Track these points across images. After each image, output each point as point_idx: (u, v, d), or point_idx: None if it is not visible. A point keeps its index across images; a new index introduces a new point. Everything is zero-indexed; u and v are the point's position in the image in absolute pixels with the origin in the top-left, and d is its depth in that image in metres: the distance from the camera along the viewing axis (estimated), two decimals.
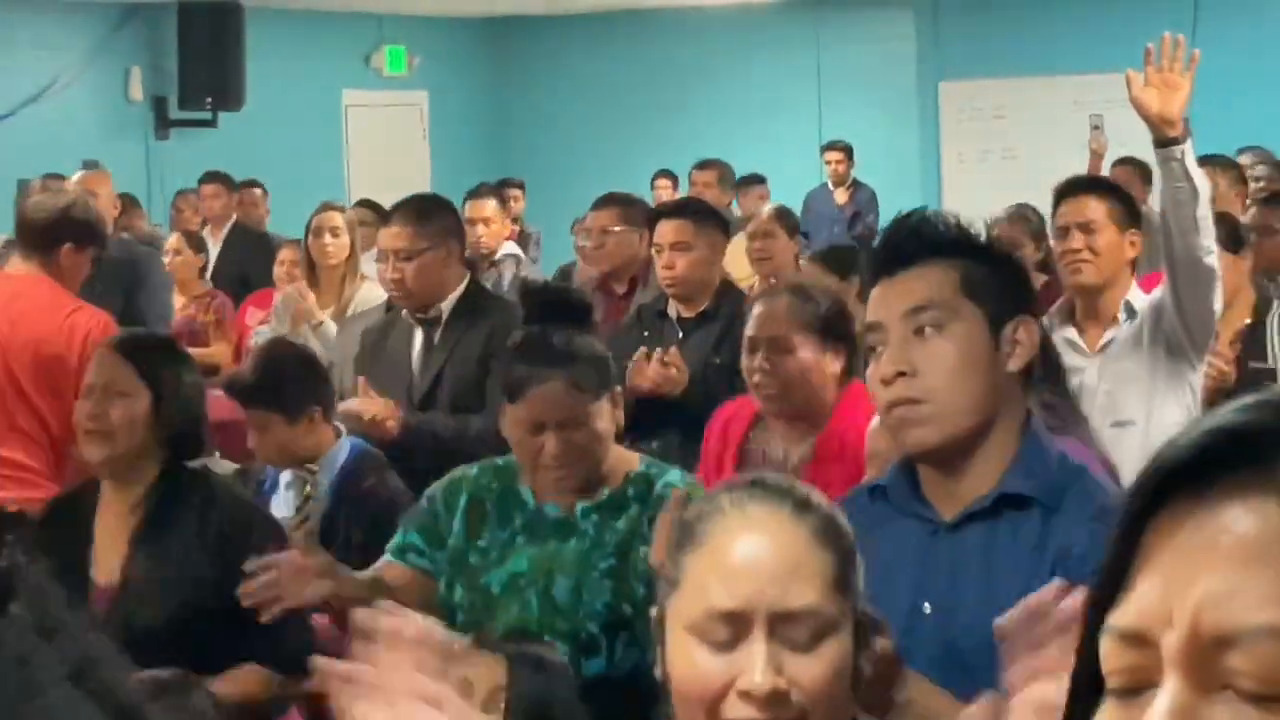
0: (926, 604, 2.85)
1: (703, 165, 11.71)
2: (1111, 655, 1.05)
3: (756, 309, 4.75)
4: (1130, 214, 5.29)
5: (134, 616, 4.18)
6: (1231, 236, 6.26)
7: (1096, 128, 11.64)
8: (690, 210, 6.83)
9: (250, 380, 5.35)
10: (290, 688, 4.28)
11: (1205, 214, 4.96)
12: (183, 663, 3.87)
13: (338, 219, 8.89)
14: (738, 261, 8.50)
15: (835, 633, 2.01)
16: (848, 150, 14.94)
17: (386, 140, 16.79)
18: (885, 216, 14.63)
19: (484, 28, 17.82)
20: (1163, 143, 4.91)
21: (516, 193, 15.35)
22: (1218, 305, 5.20)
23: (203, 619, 4.20)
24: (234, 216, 11.97)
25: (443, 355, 6.02)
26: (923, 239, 2.85)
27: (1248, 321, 6.22)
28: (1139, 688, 1.04)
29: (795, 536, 2.03)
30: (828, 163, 15.03)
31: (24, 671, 2.21)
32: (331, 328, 8.24)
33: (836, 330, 4.89)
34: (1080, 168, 13.11)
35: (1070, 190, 5.34)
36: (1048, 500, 2.86)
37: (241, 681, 4.21)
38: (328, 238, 8.80)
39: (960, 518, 2.88)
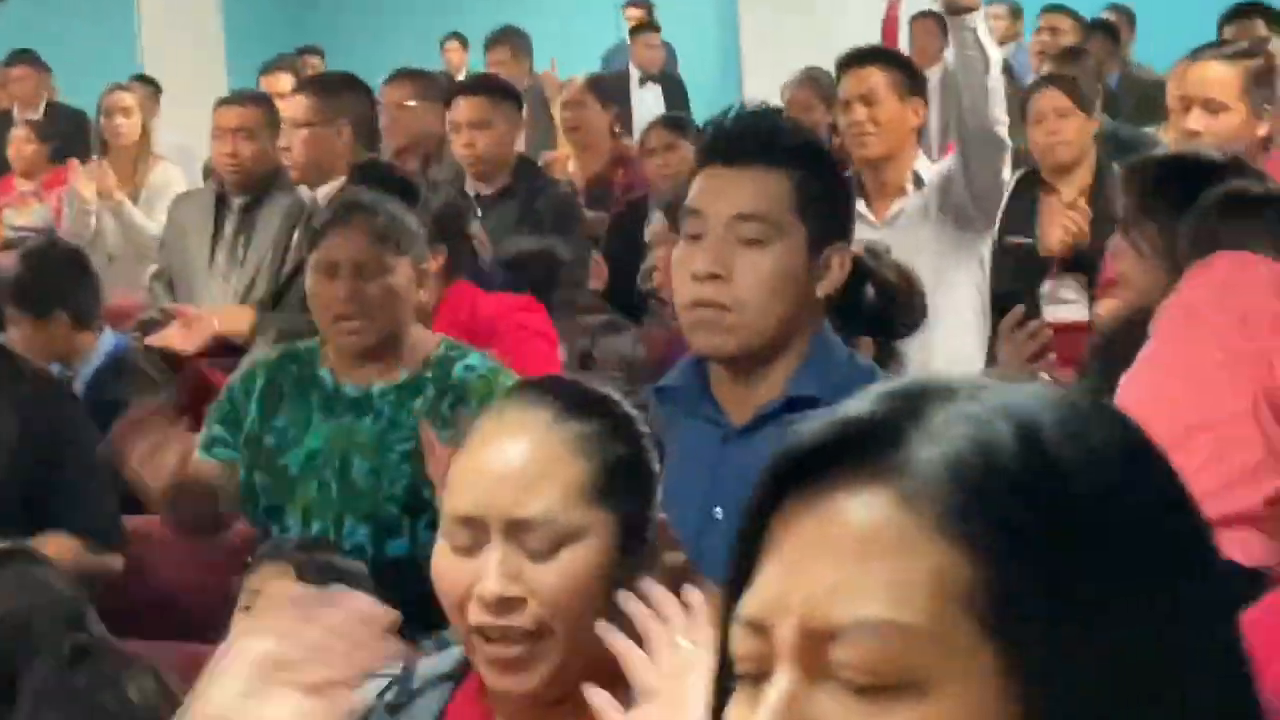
0: (719, 509, 2.85)
1: (495, 42, 11.53)
2: (738, 643, 1.08)
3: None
4: (913, 83, 5.30)
5: None
6: (1080, 97, 6.31)
7: None
8: (486, 87, 6.81)
9: (4, 277, 5.31)
10: (96, 559, 4.27)
11: (997, 84, 4.97)
12: None
13: (128, 99, 8.83)
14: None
15: (578, 541, 1.97)
16: (647, 8, 14.86)
17: (179, 8, 16.48)
18: (688, 68, 14.65)
19: None
20: (954, 9, 4.92)
21: (315, 60, 15.17)
22: (1006, 174, 5.25)
23: (10, 487, 4.17)
24: (45, 96, 11.67)
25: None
26: (766, 138, 2.84)
27: (1088, 184, 6.26)
28: (761, 675, 1.06)
29: (545, 442, 1.99)
30: (628, 19, 14.92)
31: None
32: (130, 208, 8.16)
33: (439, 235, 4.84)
34: (879, 15, 13.23)
35: (851, 62, 5.33)
36: (836, 401, 2.87)
37: (49, 547, 4.17)
38: (119, 118, 8.73)
39: (751, 422, 2.89)
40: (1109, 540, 1.04)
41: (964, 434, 1.06)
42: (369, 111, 6.44)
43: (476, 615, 1.98)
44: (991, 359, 5.33)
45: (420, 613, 3.74)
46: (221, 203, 6.22)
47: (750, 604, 1.08)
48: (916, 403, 1.08)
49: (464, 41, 15.13)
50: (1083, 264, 6.01)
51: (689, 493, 2.81)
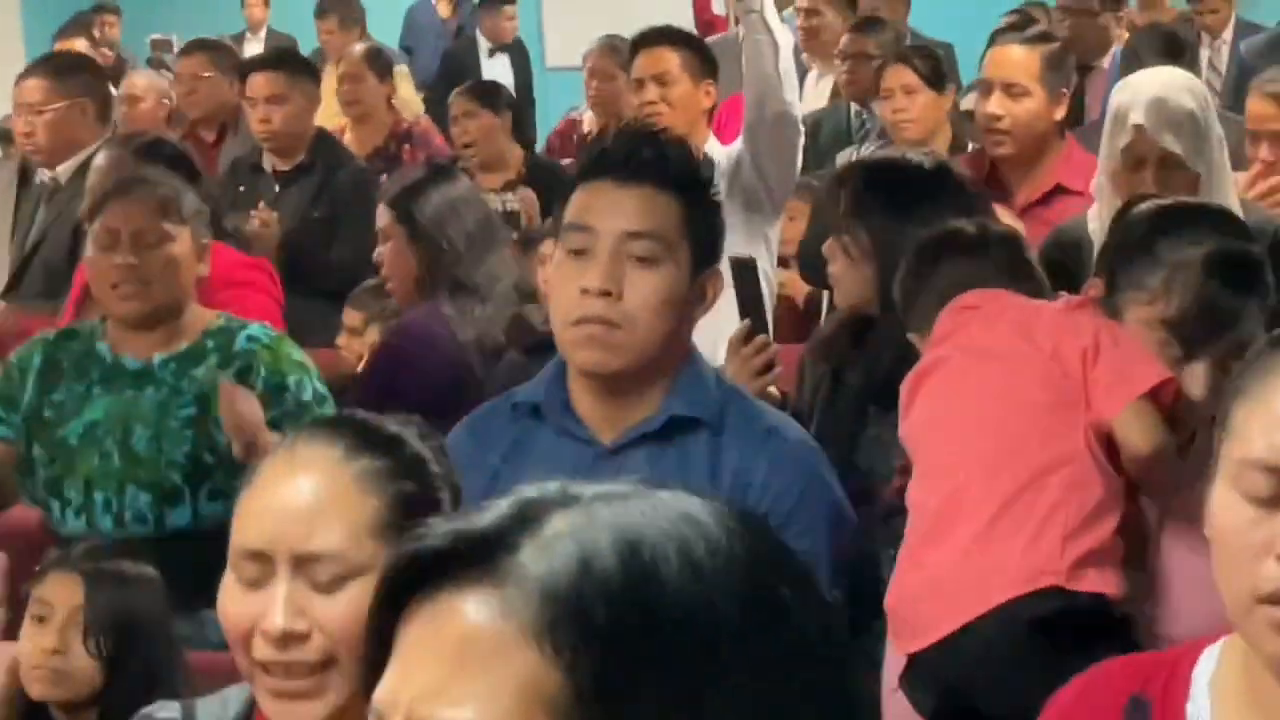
0: None
1: (323, 12, 11.37)
2: None
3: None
4: (705, 64, 5.32)
5: None
6: (933, 73, 6.26)
7: None
8: (283, 61, 6.77)
9: None
10: None
11: (788, 67, 4.99)
12: None
13: None
14: None
15: (365, 576, 1.96)
16: None
17: None
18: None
19: None
20: None
21: (111, 18, 14.96)
22: (798, 159, 5.29)
23: None
24: None
25: (52, 216, 5.92)
26: (657, 159, 2.84)
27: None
28: None
29: (335, 478, 2.00)
30: None
31: None
32: None
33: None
34: None
35: (645, 42, 5.34)
36: (712, 421, 2.91)
37: None
38: None
39: (625, 441, 2.90)
40: (696, 653, 1.08)
41: (567, 547, 1.10)
42: (106, 89, 6.36)
43: (261, 650, 1.98)
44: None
45: (200, 584, 3.76)
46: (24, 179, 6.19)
47: (375, 696, 1.13)
48: (537, 512, 1.13)
49: None
50: None
51: None
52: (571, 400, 2.93)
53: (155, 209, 3.93)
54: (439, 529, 1.13)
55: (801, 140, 5.19)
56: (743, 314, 3.76)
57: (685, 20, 12.98)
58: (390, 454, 2.05)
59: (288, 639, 1.97)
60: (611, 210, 2.84)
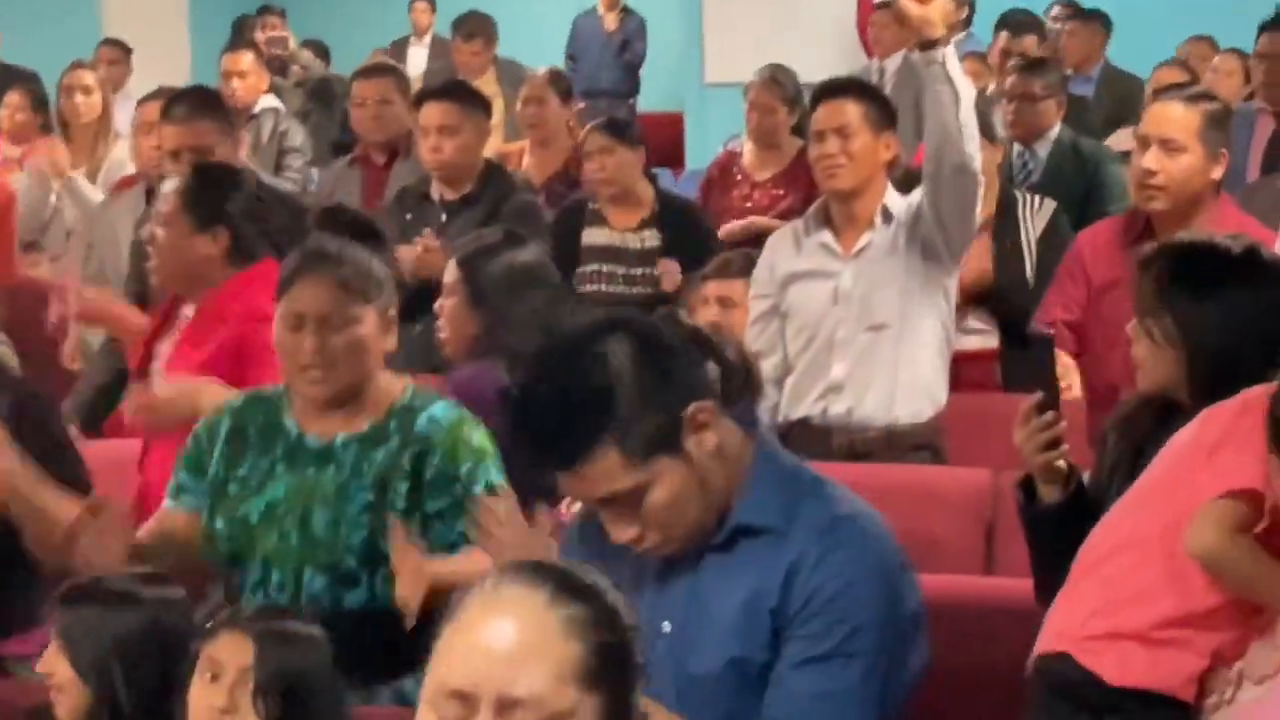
0: (666, 624, 2.96)
1: (467, 34, 11.41)
2: None
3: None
4: (886, 116, 5.29)
5: None
6: (982, 126, 6.27)
7: None
8: (456, 92, 6.83)
9: None
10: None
11: (968, 119, 4.99)
12: None
13: (88, 77, 8.82)
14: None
15: None
16: None
17: None
18: (650, 44, 14.62)
19: None
20: (924, 45, 4.94)
21: (276, 20, 15.09)
22: (979, 210, 5.26)
23: None
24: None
25: None
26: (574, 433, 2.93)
27: (990, 213, 6.20)
28: None
29: (540, 623, 2.03)
30: None
31: None
32: (82, 183, 8.14)
33: (219, 214, 4.91)
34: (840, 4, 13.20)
35: (825, 94, 5.33)
36: (780, 525, 3.00)
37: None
38: (79, 96, 8.72)
39: (694, 551, 3.03)
40: None
41: None
42: (231, 121, 6.39)
43: None
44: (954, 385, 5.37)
45: (377, 662, 3.79)
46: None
47: None
48: None
49: (431, 2, 15.08)
50: (984, 295, 6.11)
51: (641, 608, 2.87)
52: None
53: (341, 290, 3.90)
54: None
55: (981, 191, 5.17)
56: (1040, 387, 3.74)
57: (846, 28, 13.00)
58: (591, 602, 2.08)
59: None
60: (579, 490, 3.03)
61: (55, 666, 3.50)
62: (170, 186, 5.00)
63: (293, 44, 13.16)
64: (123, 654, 3.47)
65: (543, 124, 8.39)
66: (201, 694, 3.35)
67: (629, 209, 7.03)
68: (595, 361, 2.89)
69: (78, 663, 3.48)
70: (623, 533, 2.96)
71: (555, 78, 8.73)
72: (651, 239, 6.93)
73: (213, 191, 4.94)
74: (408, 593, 3.68)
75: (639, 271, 6.93)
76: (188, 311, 4.97)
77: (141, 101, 7.37)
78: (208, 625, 3.42)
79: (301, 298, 3.91)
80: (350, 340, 3.90)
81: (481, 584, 2.10)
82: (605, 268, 6.97)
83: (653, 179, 7.28)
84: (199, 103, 6.20)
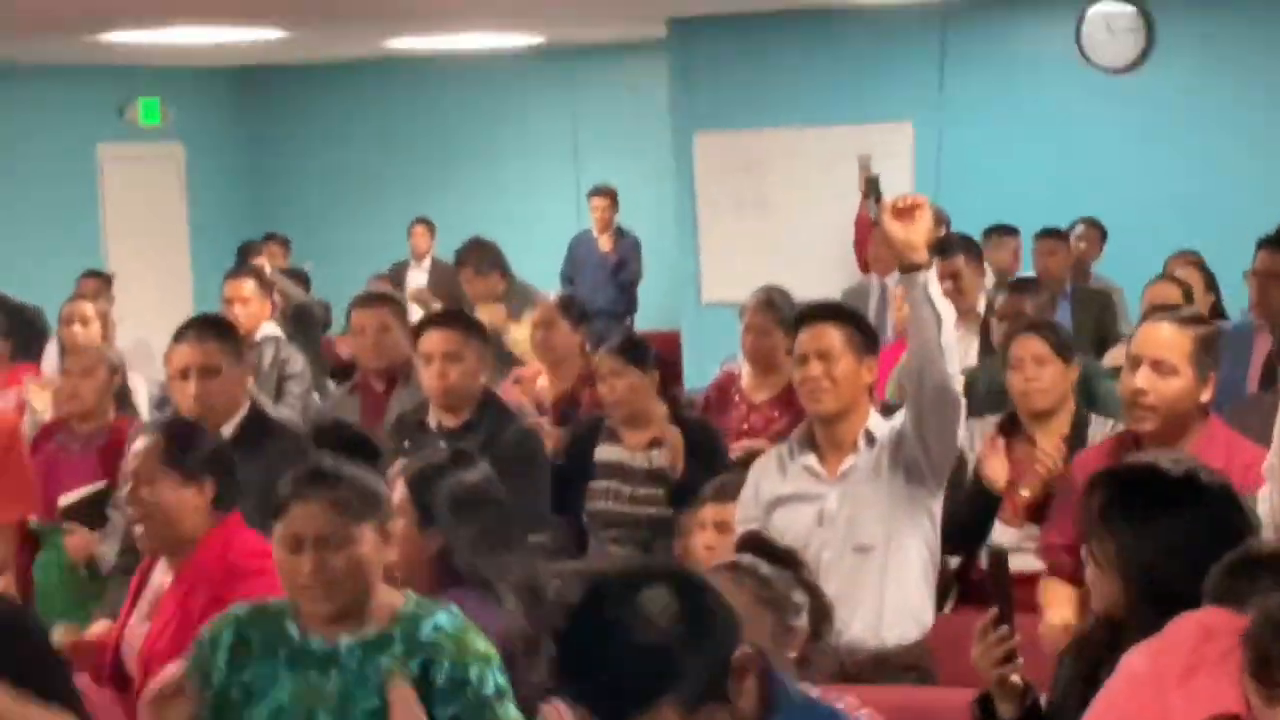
0: None
1: (461, 261, 11.58)
2: None
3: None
4: (868, 341, 5.39)
5: None
6: (1063, 345, 6.36)
7: (869, 181, 11.77)
8: (459, 320, 6.94)
9: None
10: None
11: (950, 340, 5.07)
12: None
13: (87, 308, 8.99)
14: None
15: None
16: (612, 196, 15.00)
17: (144, 194, 16.61)
18: (647, 263, 14.80)
19: (237, 78, 17.68)
20: (907, 269, 5.05)
21: (277, 249, 15.30)
22: (961, 433, 5.32)
23: None
24: None
25: None
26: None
27: (1065, 433, 6.24)
28: None
29: None
30: (593, 209, 15.04)
31: None
32: None
33: (204, 465, 4.96)
34: (835, 216, 13.39)
35: (808, 318, 5.39)
36: None
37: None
38: (77, 326, 8.87)
39: None
40: None
41: None
42: (241, 350, 6.53)
43: None
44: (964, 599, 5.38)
45: None
46: None
47: None
48: None
49: (430, 226, 15.28)
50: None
51: None
52: None
53: (338, 511, 3.97)
54: None
55: (962, 415, 5.25)
56: (993, 601, 3.80)
57: (842, 246, 13.17)
58: None
59: None
60: None
61: None
62: (142, 444, 5.01)
63: (268, 270, 13.37)
64: None
65: (553, 348, 8.52)
66: None
67: (640, 429, 7.10)
68: (645, 618, 2.82)
69: None
70: None
71: (565, 303, 8.87)
72: (660, 458, 7.00)
73: (191, 443, 5.00)
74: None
75: (644, 491, 6.98)
76: (160, 577, 5.00)
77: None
78: None
79: (299, 519, 3.97)
80: (349, 559, 3.96)
81: None
82: (613, 485, 7.03)
83: (673, 399, 7.36)
84: (209, 326, 6.40)
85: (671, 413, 7.20)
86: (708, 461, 6.86)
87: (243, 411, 6.25)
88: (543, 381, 8.58)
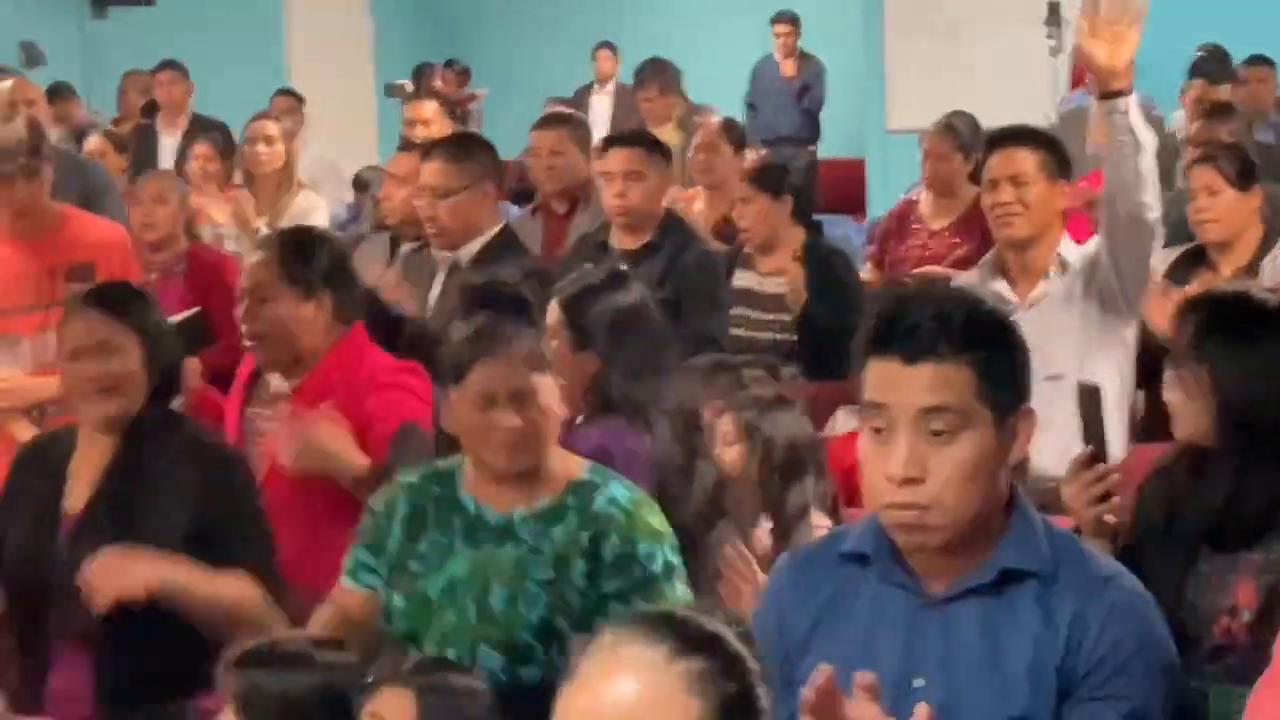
0: (919, 679, 2.80)
1: (642, 80, 11.49)
2: None
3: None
4: (1061, 164, 5.26)
5: (94, 544, 4.17)
6: (1242, 172, 6.21)
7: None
8: (642, 140, 6.87)
9: None
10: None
11: (1149, 168, 4.92)
12: None
13: (271, 128, 8.96)
14: None
15: None
16: (795, 22, 14.86)
17: (329, 16, 16.61)
18: (831, 89, 14.62)
19: None
20: (1107, 94, 4.88)
21: (449, 75, 15.29)
22: (1154, 259, 5.20)
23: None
24: (190, 106, 11.75)
25: (451, 300, 6.01)
26: (944, 327, 2.76)
27: (1246, 261, 6.14)
28: None
29: (660, 680, 1.99)
30: (776, 35, 14.92)
31: None
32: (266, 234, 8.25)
33: (323, 277, 4.85)
34: (1029, 40, 13.11)
35: (1000, 142, 5.29)
36: (1044, 571, 2.85)
37: (238, 588, 4.23)
38: (261, 146, 8.86)
39: (954, 593, 2.85)
40: None
41: None
42: (501, 169, 6.50)
43: None
44: (1148, 433, 5.26)
45: None
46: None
47: None
48: None
49: (614, 50, 15.19)
50: None
51: (880, 657, 2.78)
52: (902, 549, 2.88)
53: (524, 366, 3.91)
54: None
55: (1157, 243, 5.12)
56: (1086, 439, 3.73)
57: (1031, 73, 12.90)
58: (713, 654, 2.04)
59: None
60: (903, 388, 2.77)
61: None
62: (258, 258, 4.94)
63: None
64: (294, 717, 3.46)
65: (713, 171, 8.47)
66: None
67: (774, 255, 7.07)
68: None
69: None
70: (899, 468, 2.75)
71: (728, 126, 8.81)
72: (785, 284, 6.93)
73: (307, 256, 4.91)
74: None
75: (770, 317, 6.95)
76: (277, 384, 4.96)
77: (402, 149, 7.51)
78: (368, 681, 3.44)
79: (488, 377, 3.90)
80: (537, 412, 3.91)
81: (600, 641, 2.08)
82: (743, 311, 7.00)
83: (812, 226, 7.28)
84: (452, 146, 6.46)
85: (806, 240, 7.12)
86: (838, 291, 6.78)
87: (489, 233, 6.18)
88: (700, 205, 8.49)
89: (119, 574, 4.09)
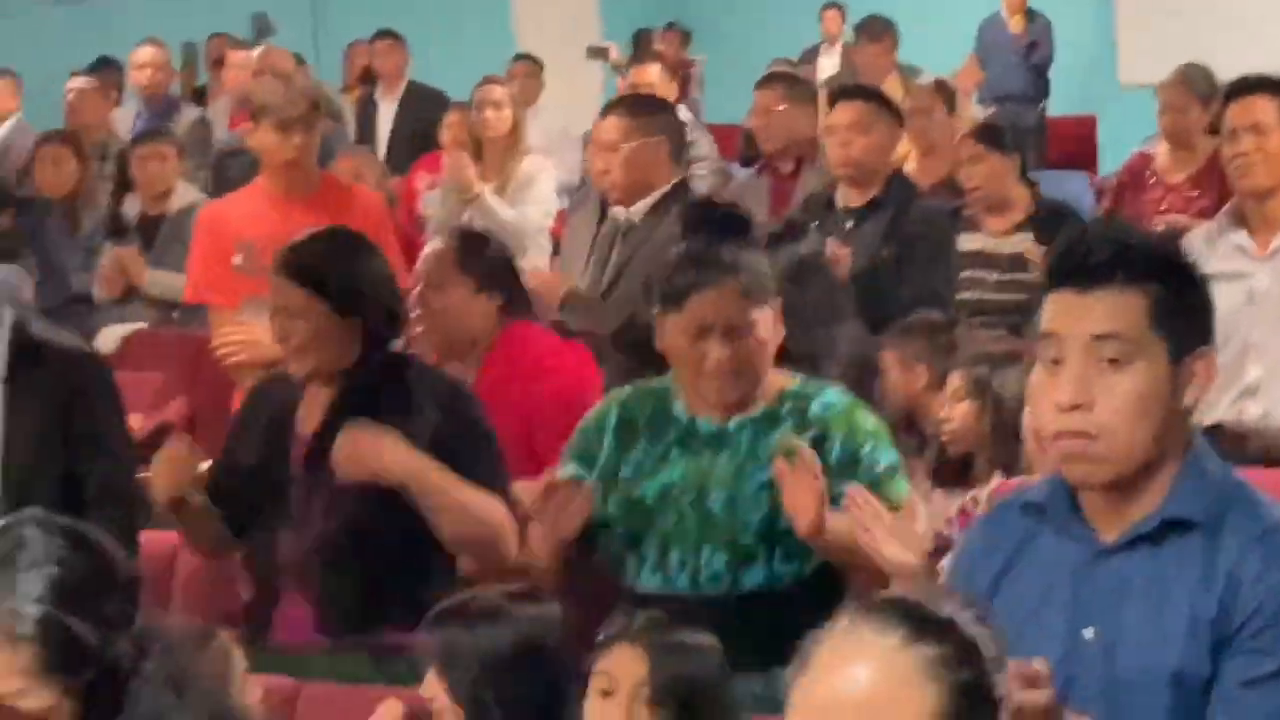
0: (1088, 630, 2.76)
1: (862, 37, 11.36)
2: None
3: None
4: None
5: (326, 473, 4.24)
6: None
7: None
8: (868, 94, 6.80)
9: None
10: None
11: None
12: (366, 519, 4.17)
13: (499, 92, 8.96)
14: None
15: None
16: None
17: None
18: (1060, 45, 14.39)
19: None
20: None
21: (673, 37, 15.28)
22: None
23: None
24: (408, 74, 11.86)
25: (626, 255, 6.01)
26: (1120, 256, 2.72)
27: None
28: None
29: (895, 668, 1.94)
30: None
31: None
32: (491, 200, 8.28)
33: (495, 275, 4.97)
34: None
35: (1239, 91, 5.21)
36: (1210, 522, 2.77)
37: (487, 503, 4.24)
38: (489, 111, 8.86)
39: (1123, 541, 2.79)
40: None
41: None
42: (680, 127, 6.44)
43: None
44: None
45: (776, 645, 3.76)
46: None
47: None
48: None
49: (842, 11, 15.08)
50: None
51: (1053, 611, 2.75)
52: (1078, 496, 2.83)
53: (744, 298, 3.90)
54: None
55: None
56: None
57: (1266, 19, 12.62)
58: (947, 640, 1.99)
59: None
60: (1075, 316, 2.73)
61: (434, 691, 3.52)
62: (435, 249, 5.08)
63: (615, 54, 13.29)
64: (493, 673, 3.46)
65: (927, 133, 8.38)
66: (597, 710, 3.35)
67: (1002, 214, 6.99)
68: None
69: (452, 685, 3.50)
70: (1067, 394, 2.71)
71: (940, 87, 8.71)
72: (1022, 243, 6.83)
73: (482, 251, 5.04)
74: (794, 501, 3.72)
75: (1008, 277, 6.85)
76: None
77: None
78: (599, 640, 3.43)
79: (703, 311, 3.90)
80: (753, 344, 3.91)
81: (832, 627, 2.05)
82: (978, 273, 6.89)
83: (1031, 183, 7.17)
84: (632, 102, 6.48)
85: (1033, 196, 7.04)
86: None
87: (664, 188, 6.12)
88: (910, 166, 8.39)
89: (372, 453, 4.14)
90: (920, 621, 1.99)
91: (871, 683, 1.94)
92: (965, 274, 6.83)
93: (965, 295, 6.80)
